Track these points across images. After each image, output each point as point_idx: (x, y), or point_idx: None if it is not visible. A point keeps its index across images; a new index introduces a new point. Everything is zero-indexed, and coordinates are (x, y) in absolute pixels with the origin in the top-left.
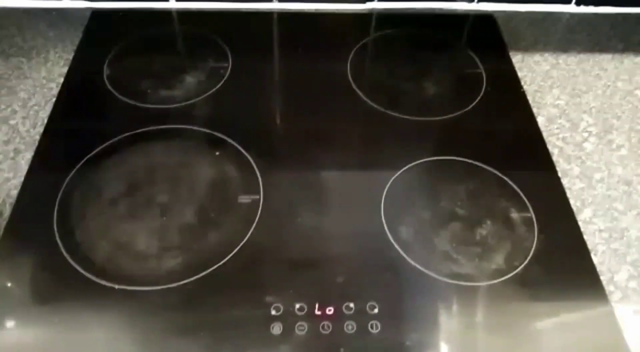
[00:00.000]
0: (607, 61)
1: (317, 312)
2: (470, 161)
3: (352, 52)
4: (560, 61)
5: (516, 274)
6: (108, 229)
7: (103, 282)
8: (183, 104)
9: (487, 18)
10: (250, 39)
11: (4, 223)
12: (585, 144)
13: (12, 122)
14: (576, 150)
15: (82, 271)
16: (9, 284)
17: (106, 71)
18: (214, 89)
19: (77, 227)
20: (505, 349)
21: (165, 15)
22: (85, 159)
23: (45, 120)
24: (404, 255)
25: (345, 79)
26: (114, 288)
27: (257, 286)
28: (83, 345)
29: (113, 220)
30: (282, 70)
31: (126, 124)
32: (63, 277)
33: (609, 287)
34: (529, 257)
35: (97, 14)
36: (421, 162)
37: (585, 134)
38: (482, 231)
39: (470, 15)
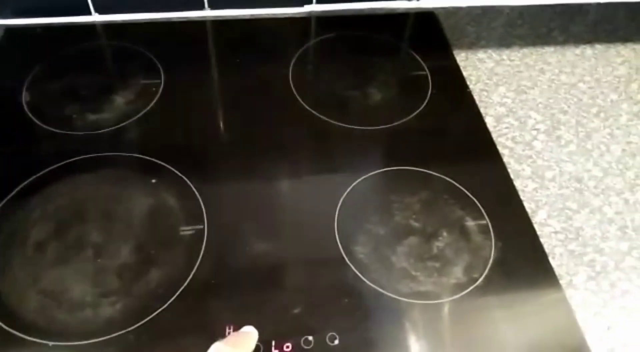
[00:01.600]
0: (549, 54)
1: (274, 351)
2: (421, 170)
3: (293, 60)
4: (504, 57)
5: (477, 286)
6: (36, 278)
7: (34, 339)
8: (113, 128)
9: (428, 16)
10: (184, 50)
11: None
12: (535, 143)
13: None
14: (526, 149)
15: (8, 328)
16: None
17: (25, 97)
18: (146, 109)
19: (1, 277)
20: None
21: (88, 29)
22: (6, 198)
23: None
24: (362, 277)
25: (288, 89)
26: (47, 345)
27: (207, 327)
28: None
29: (41, 266)
30: (220, 82)
31: (51, 155)
32: None
33: (568, 291)
34: (488, 267)
35: (11, 31)
36: (371, 175)
37: (534, 132)
38: (439, 244)
39: (411, 14)
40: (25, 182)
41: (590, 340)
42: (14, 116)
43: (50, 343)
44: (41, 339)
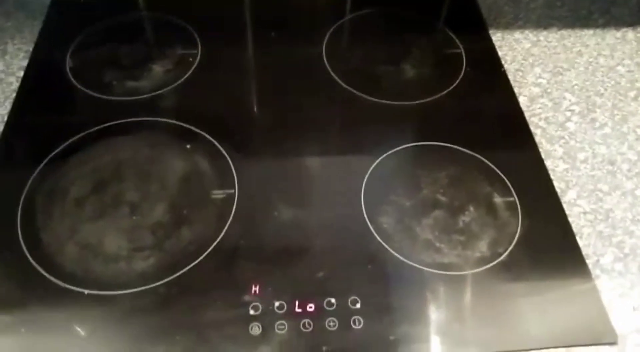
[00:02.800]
0: (588, 37)
1: (297, 310)
2: (451, 146)
3: (328, 35)
4: (541, 38)
5: (501, 261)
6: (75, 231)
7: (71, 287)
8: (151, 95)
9: None
10: (220, 23)
11: None
12: (568, 124)
13: None
14: (559, 130)
15: (48, 276)
16: None
17: (69, 63)
18: (183, 78)
19: (43, 229)
20: (492, 338)
21: (129, 0)
22: (49, 156)
23: (5, 118)
24: (386, 246)
25: (321, 63)
26: (83, 293)
27: (234, 284)
28: None
29: (80, 221)
30: (255, 55)
31: (91, 118)
32: (28, 282)
33: (595, 271)
34: (513, 243)
35: (57, 1)
36: (401, 149)
37: (568, 113)
38: (465, 218)
39: None
40: (67, 142)
41: (615, 321)
42: (58, 81)
43: (86, 291)
44: (77, 287)
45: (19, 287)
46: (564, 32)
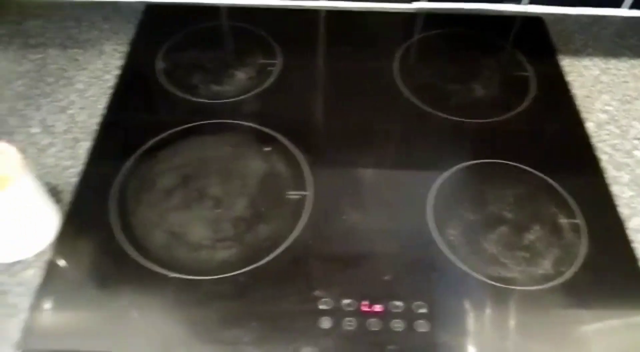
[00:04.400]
0: None
1: (365, 309)
2: (518, 165)
3: (399, 52)
4: (611, 66)
5: (564, 280)
6: (163, 219)
7: (158, 270)
8: (234, 99)
9: (535, 20)
10: (298, 36)
11: (64, 209)
12: (635, 152)
13: (70, 112)
14: (626, 157)
15: (138, 258)
16: (70, 268)
17: (159, 65)
18: (263, 86)
19: (133, 215)
20: None
21: (214, 10)
22: (140, 150)
23: (102, 112)
24: (451, 256)
25: (392, 78)
26: (167, 276)
27: (306, 280)
28: (137, 329)
29: (168, 210)
30: (330, 68)
31: (179, 117)
32: (121, 263)
33: None
34: (576, 264)
35: (150, 8)
36: (468, 164)
37: (636, 142)
38: (530, 236)
39: (518, 17)
40: (157, 138)
41: None
42: (150, 81)
43: (170, 274)
44: (164, 270)
45: (111, 266)
46: (634, 62)
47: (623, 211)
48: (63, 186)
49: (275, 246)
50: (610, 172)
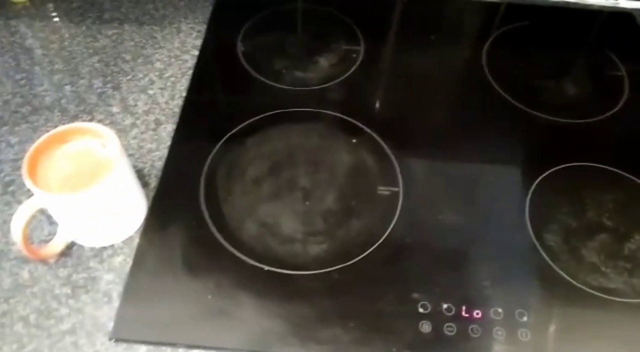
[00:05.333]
0: None
1: (465, 315)
2: (614, 170)
3: (487, 43)
4: None
5: None
6: (254, 209)
7: (253, 262)
8: (318, 87)
9: (626, 16)
10: (381, 22)
11: (150, 194)
12: None
13: (150, 92)
14: None
15: (230, 248)
16: (160, 256)
17: (240, 47)
18: (347, 73)
19: (224, 202)
20: None
21: None
22: (227, 135)
23: (183, 93)
24: (551, 263)
25: (481, 71)
26: (263, 269)
27: (402, 281)
28: (235, 323)
29: (258, 200)
30: (415, 57)
31: (264, 103)
32: (212, 251)
33: None
34: None
35: None
36: (564, 167)
37: None
38: (631, 245)
39: (606, 12)
40: (244, 123)
41: None
42: (232, 63)
43: (266, 267)
44: (258, 262)
45: (203, 255)
46: None
47: None
48: (149, 169)
49: (369, 244)
50: None
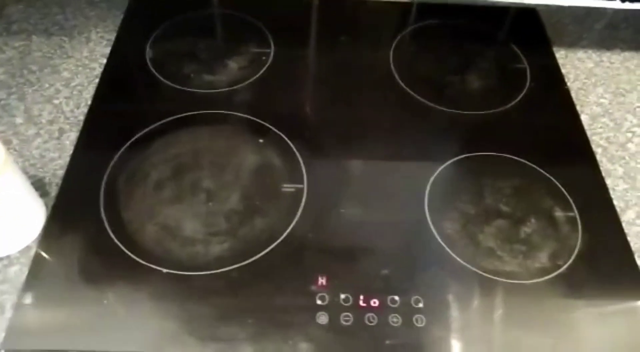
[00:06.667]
0: None
1: (362, 304)
2: (514, 157)
3: (395, 42)
4: (604, 59)
5: (560, 273)
6: (155, 212)
7: (151, 265)
8: (227, 89)
9: (530, 12)
10: (292, 24)
11: (50, 203)
12: (629, 145)
13: (55, 101)
14: (620, 150)
15: (129, 253)
16: (57, 264)
17: (149, 53)
18: (256, 76)
19: (124, 209)
20: (547, 348)
21: None
22: (130, 141)
23: (89, 101)
24: (448, 250)
25: (388, 69)
26: (161, 271)
27: (302, 275)
28: (131, 327)
29: (159, 203)
30: (324, 58)
31: (170, 107)
32: (110, 258)
33: None
34: (572, 257)
35: None
36: (464, 157)
37: (629, 134)
38: (527, 229)
39: (512, 8)
40: (148, 129)
41: None
42: (139, 70)
43: (165, 270)
44: (156, 265)
45: (101, 262)
46: (627, 54)
47: (618, 204)
48: (49, 178)
49: (271, 241)
50: (605, 165)
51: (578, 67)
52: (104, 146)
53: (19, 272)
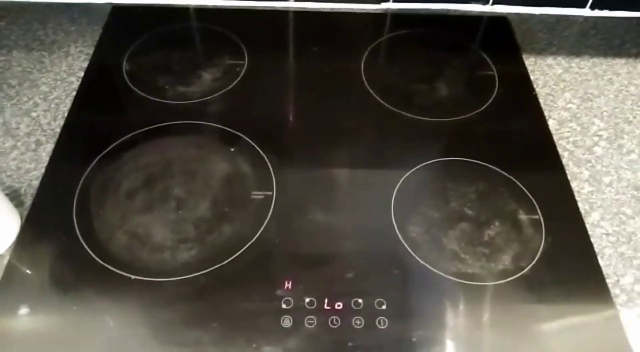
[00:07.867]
0: (620, 66)
1: (327, 307)
2: (480, 162)
3: (366, 52)
4: (573, 65)
5: (523, 275)
6: (125, 221)
7: (120, 272)
8: (200, 100)
9: (501, 20)
10: (266, 37)
11: (25, 213)
12: (596, 148)
13: (33, 114)
14: (586, 153)
15: (99, 261)
16: (29, 272)
17: (125, 66)
18: (230, 86)
19: (96, 218)
20: (509, 349)
21: (182, 11)
22: (104, 152)
23: (66, 114)
24: (413, 253)
25: (359, 79)
26: (130, 278)
27: (269, 279)
28: (98, 332)
29: (130, 212)
30: (297, 68)
31: (144, 118)
32: (81, 265)
33: (614, 290)
34: (536, 259)
35: (117, 9)
36: (432, 163)
37: (596, 138)
38: (490, 232)
39: (484, 17)
40: (121, 139)
41: (632, 340)
42: (116, 82)
43: (133, 276)
44: (125, 272)
45: (72, 269)
46: (596, 60)
47: (583, 206)
48: (25, 189)
49: (238, 247)
50: (571, 168)
51: (547, 73)
52: (79, 157)
53: None
